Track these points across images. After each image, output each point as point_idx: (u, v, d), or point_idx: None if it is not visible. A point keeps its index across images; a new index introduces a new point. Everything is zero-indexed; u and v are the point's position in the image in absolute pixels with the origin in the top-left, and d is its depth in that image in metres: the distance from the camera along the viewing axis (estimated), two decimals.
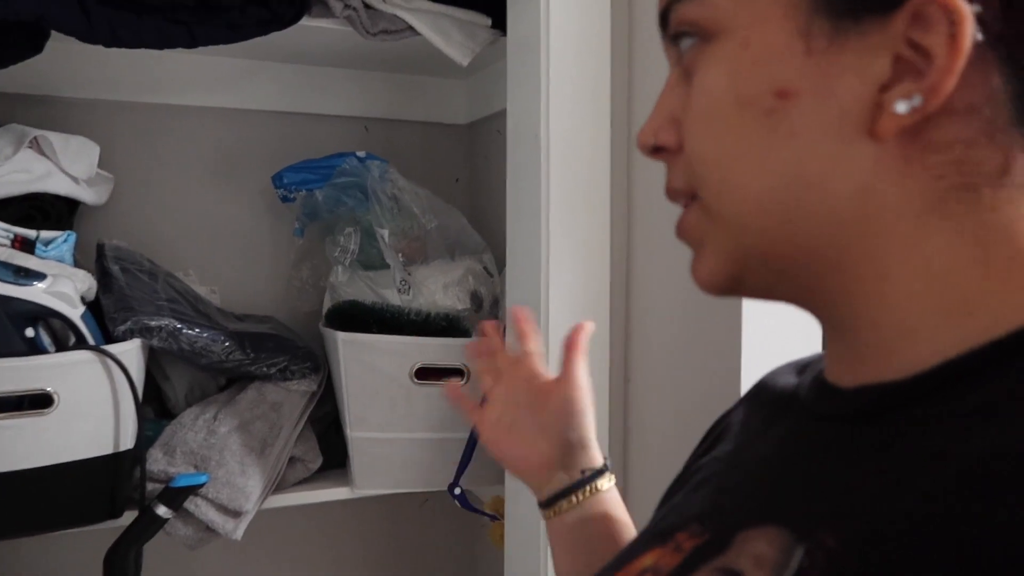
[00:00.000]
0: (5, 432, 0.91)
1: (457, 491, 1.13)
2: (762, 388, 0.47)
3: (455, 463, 1.14)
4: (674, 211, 0.41)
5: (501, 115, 1.24)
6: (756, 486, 0.38)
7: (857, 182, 0.33)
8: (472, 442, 1.13)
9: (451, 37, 1.15)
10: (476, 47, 1.16)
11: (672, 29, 0.39)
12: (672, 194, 0.41)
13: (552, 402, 0.63)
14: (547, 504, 0.61)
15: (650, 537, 0.41)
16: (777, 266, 0.37)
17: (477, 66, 1.22)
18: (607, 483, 0.61)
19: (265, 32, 1.10)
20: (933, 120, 0.32)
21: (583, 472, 0.61)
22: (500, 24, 1.13)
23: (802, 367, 0.44)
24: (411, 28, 1.13)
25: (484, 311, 1.17)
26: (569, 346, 0.65)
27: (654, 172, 0.93)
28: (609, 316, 0.97)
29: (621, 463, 0.99)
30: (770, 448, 0.40)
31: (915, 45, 0.32)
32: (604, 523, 0.60)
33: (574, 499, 0.60)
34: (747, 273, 0.38)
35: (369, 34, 1.14)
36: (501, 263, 1.15)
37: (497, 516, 1.20)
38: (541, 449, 0.62)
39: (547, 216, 0.94)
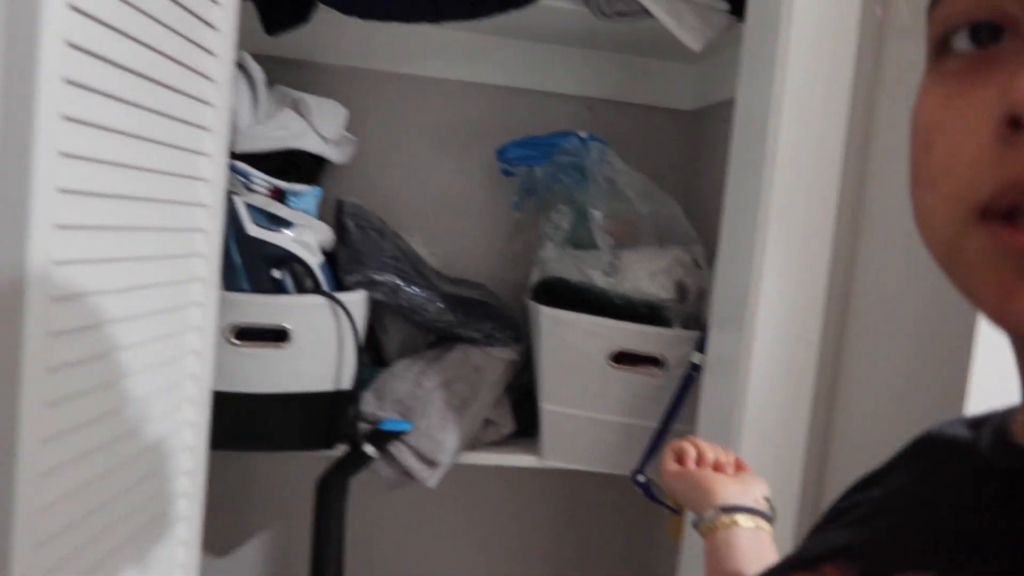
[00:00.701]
0: (249, 359, 1.04)
1: (641, 479, 1.13)
2: (926, 438, 0.44)
3: (641, 450, 1.14)
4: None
5: (728, 103, 1.21)
6: (917, 531, 0.36)
7: None
8: (661, 433, 1.13)
9: (685, 21, 1.13)
10: (710, 32, 1.13)
11: (976, 20, 0.31)
12: None
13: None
14: (726, 511, 0.65)
15: (797, 562, 0.40)
16: None
17: (708, 51, 1.19)
18: (766, 525, 0.65)
19: (505, 9, 1.14)
20: None
21: (767, 500, 0.67)
22: (737, 10, 1.09)
23: (976, 422, 0.41)
24: (646, 10, 1.12)
25: (689, 303, 1.15)
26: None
27: (893, 177, 0.87)
28: (821, 331, 0.92)
29: (817, 482, 0.94)
30: (936, 495, 0.38)
31: None
32: (751, 553, 0.62)
33: (739, 518, 0.64)
34: None
35: (604, 15, 1.15)
36: (712, 256, 1.12)
37: (678, 511, 1.18)
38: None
39: (766, 214, 0.91)
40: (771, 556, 0.63)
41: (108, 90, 0.63)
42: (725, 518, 0.64)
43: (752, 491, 0.68)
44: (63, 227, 0.60)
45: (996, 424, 0.38)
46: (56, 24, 0.55)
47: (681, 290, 1.14)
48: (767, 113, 0.90)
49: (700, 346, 1.08)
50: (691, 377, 1.10)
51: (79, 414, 0.66)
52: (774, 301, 0.91)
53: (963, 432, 0.41)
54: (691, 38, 1.12)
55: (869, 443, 0.88)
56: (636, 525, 1.51)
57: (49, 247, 0.58)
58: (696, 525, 0.67)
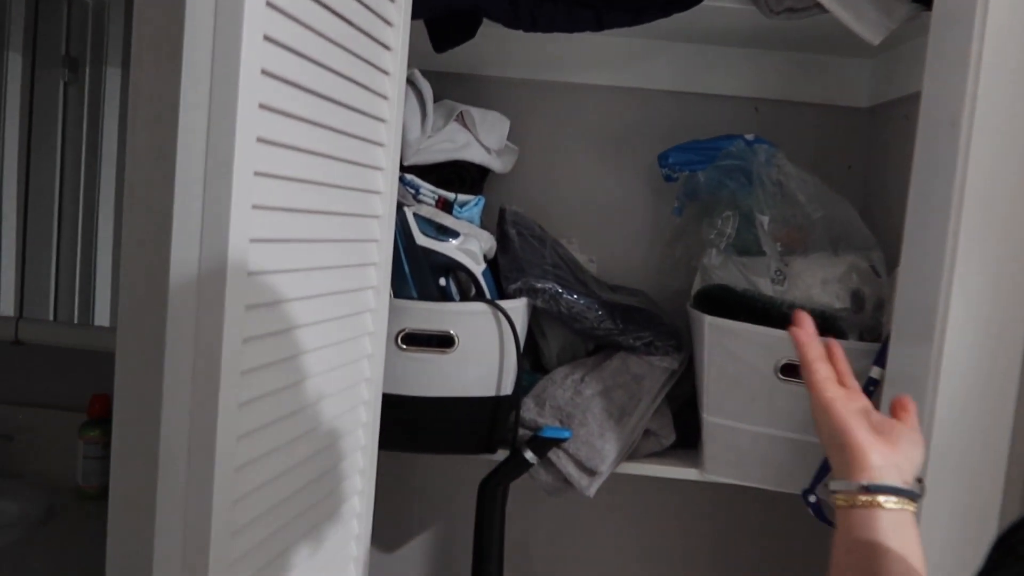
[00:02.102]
0: (418, 364, 1.08)
1: (812, 499, 1.08)
2: None
3: (813, 468, 1.08)
4: None
5: (910, 99, 1.12)
6: None
7: None
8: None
9: (863, 14, 1.06)
10: (892, 24, 1.05)
11: None
12: None
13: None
14: (869, 491, 0.58)
15: None
16: None
17: (885, 45, 1.11)
18: (911, 506, 0.59)
19: (667, 14, 1.12)
20: None
21: (919, 480, 0.60)
22: None
23: None
24: (818, 5, 1.07)
25: (866, 313, 1.08)
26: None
27: None
28: (1023, 346, 0.83)
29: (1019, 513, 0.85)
30: None
31: None
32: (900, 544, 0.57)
33: (894, 500, 0.58)
34: None
35: (773, 13, 1.10)
36: (892, 263, 1.05)
37: None
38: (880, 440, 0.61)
39: (958, 215, 0.83)
40: (913, 542, 0.57)
41: (296, 112, 0.68)
42: (867, 497, 0.58)
43: (905, 461, 0.60)
44: (255, 240, 0.64)
45: None
46: (251, 55, 0.60)
47: (857, 299, 1.08)
48: (960, 108, 0.83)
49: (880, 360, 1.01)
50: (869, 393, 1.03)
51: (268, 414, 0.71)
52: (968, 312, 0.83)
53: None
54: (870, 31, 1.05)
55: None
56: (803, 547, 1.43)
57: (244, 258, 0.63)
58: (832, 491, 0.60)
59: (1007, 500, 0.84)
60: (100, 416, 1.36)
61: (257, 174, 0.63)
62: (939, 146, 0.88)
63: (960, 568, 0.65)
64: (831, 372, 0.66)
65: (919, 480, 0.61)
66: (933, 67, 0.92)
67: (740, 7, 1.12)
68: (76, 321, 1.44)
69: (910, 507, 0.58)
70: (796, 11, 1.10)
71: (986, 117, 0.82)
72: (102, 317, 1.44)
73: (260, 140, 0.62)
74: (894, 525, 0.57)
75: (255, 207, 0.63)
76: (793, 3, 1.09)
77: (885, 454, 0.60)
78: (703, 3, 1.11)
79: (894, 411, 0.66)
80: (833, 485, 0.61)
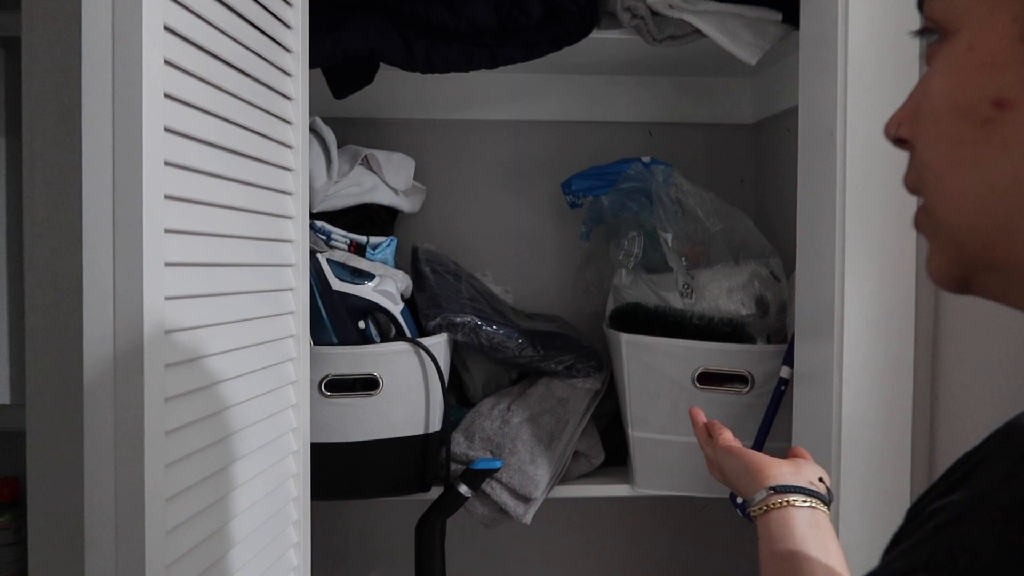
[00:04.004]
0: (344, 409, 1.07)
1: (739, 499, 1.11)
2: (1016, 429, 0.42)
3: None
4: None
5: (790, 113, 1.20)
6: (997, 543, 0.34)
7: None
8: (756, 450, 1.11)
9: (739, 36, 1.13)
10: (765, 44, 1.13)
11: (922, 22, 0.38)
12: (905, 185, 0.41)
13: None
14: (778, 492, 0.63)
15: None
16: (1004, 272, 0.36)
17: (764, 63, 1.19)
18: (823, 507, 0.63)
19: (558, 48, 1.17)
20: None
21: (812, 482, 0.64)
22: (791, 18, 1.09)
23: None
24: (697, 31, 1.13)
25: (770, 317, 1.13)
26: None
27: None
28: (914, 330, 0.90)
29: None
30: (1016, 501, 0.36)
31: None
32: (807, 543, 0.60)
33: (795, 500, 0.62)
34: (973, 276, 0.38)
35: (656, 41, 1.16)
36: (790, 267, 1.11)
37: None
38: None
39: (843, 218, 0.90)
40: (831, 540, 0.61)
41: (203, 167, 0.68)
42: (778, 498, 0.62)
43: (806, 473, 0.66)
44: (171, 297, 0.63)
45: None
46: (153, 112, 0.60)
47: (762, 305, 1.13)
48: (833, 117, 0.90)
49: (788, 360, 1.07)
50: (780, 392, 1.09)
51: (196, 473, 0.69)
52: (861, 307, 0.89)
53: None
54: (746, 52, 1.12)
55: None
56: (737, 548, 1.48)
57: (160, 317, 0.62)
58: (747, 508, 0.65)
59: (915, 485, 0.90)
60: (7, 500, 1.28)
61: (167, 231, 0.62)
62: (819, 156, 0.94)
63: (879, 556, 0.70)
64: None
65: (823, 481, 0.65)
66: (806, 82, 0.99)
67: (625, 38, 1.17)
68: None
69: (821, 508, 0.62)
70: (677, 38, 1.16)
71: (857, 125, 0.89)
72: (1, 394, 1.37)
73: (168, 197, 0.62)
74: (810, 527, 0.61)
75: (168, 264, 0.63)
76: (674, 31, 1.15)
77: (785, 466, 0.66)
78: (591, 36, 1.16)
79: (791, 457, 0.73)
80: (745, 502, 0.65)
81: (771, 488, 0.63)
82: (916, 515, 0.44)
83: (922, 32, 0.39)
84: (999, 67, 0.33)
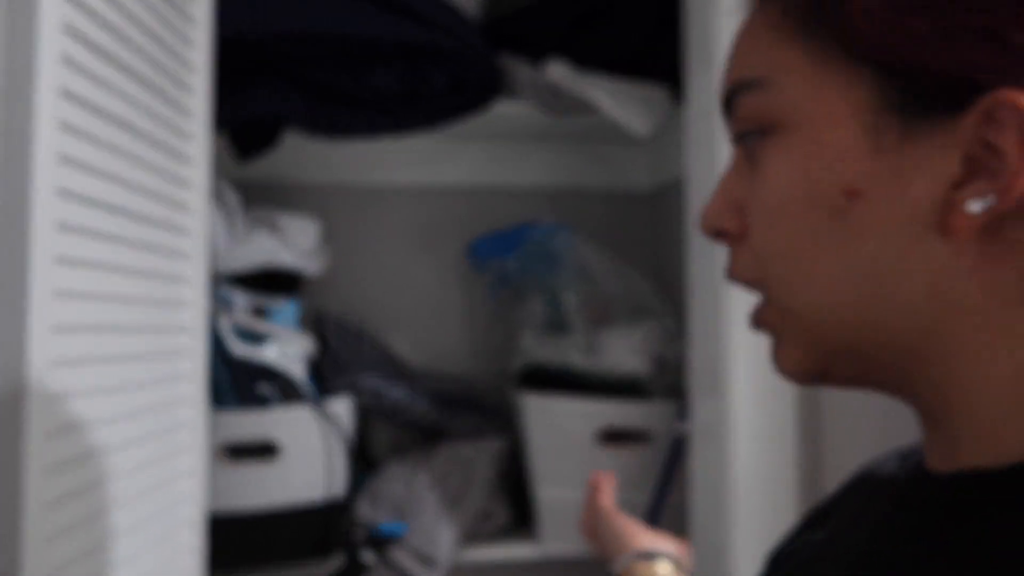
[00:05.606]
0: (240, 476, 1.04)
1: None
2: (866, 474, 0.45)
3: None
4: None
5: (682, 182, 1.27)
6: None
7: (930, 278, 0.33)
8: (656, 506, 1.14)
9: (630, 109, 1.20)
10: (655, 118, 1.20)
11: (736, 118, 0.39)
12: (735, 279, 0.40)
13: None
14: (644, 557, 0.69)
15: None
16: (861, 357, 0.36)
17: (659, 133, 1.26)
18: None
19: (461, 117, 1.21)
20: (1010, 218, 0.32)
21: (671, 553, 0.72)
22: (680, 93, 1.16)
23: (907, 454, 0.42)
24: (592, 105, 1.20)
25: (668, 374, 1.17)
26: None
27: None
28: (797, 389, 0.95)
29: None
30: (864, 538, 0.39)
31: (987, 144, 0.31)
32: None
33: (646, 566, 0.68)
34: (832, 364, 0.38)
35: (554, 112, 1.22)
36: (685, 327, 1.16)
37: None
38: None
39: (728, 284, 0.95)
40: None
41: (96, 229, 0.67)
42: (644, 563, 0.67)
43: (668, 545, 0.72)
44: (56, 363, 0.62)
45: (918, 457, 0.40)
46: (46, 172, 0.59)
47: (659, 362, 1.17)
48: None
49: (684, 415, 1.11)
50: (678, 447, 1.12)
51: (77, 545, 0.66)
52: (748, 365, 0.94)
53: (892, 467, 0.42)
54: (637, 125, 1.19)
55: None
56: None
57: (43, 383, 0.60)
58: (613, 571, 0.69)
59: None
60: None
61: (56, 294, 0.61)
62: None
63: None
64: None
65: (680, 563, 0.71)
66: (692, 154, 1.05)
67: (525, 111, 1.23)
68: None
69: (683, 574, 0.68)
70: (574, 109, 1.22)
71: None
72: None
73: (58, 260, 0.61)
74: None
75: (54, 329, 0.61)
76: (571, 103, 1.21)
77: (651, 535, 0.73)
78: (493, 108, 1.21)
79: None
80: (613, 567, 0.70)
81: (638, 553, 0.68)
82: (773, 559, 0.47)
83: (741, 136, 0.39)
84: (846, 159, 0.34)
